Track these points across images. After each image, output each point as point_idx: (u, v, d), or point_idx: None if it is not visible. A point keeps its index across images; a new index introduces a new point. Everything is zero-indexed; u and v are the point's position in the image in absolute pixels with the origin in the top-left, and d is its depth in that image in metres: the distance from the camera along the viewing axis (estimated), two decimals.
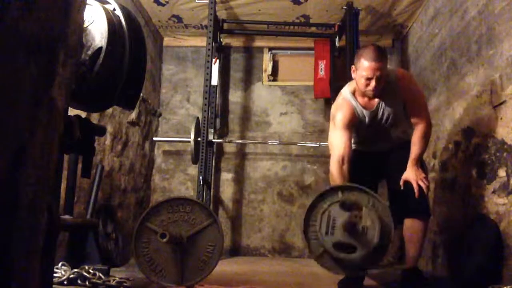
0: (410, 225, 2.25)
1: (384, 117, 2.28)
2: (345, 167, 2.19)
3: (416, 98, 2.30)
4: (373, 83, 2.14)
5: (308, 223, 1.92)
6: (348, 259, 1.83)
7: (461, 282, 2.31)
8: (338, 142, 2.24)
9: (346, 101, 2.30)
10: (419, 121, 2.28)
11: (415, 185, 2.18)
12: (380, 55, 2.14)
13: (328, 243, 1.82)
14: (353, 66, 2.25)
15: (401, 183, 2.23)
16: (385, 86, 2.21)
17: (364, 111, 2.28)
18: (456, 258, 2.49)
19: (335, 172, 2.19)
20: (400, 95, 2.26)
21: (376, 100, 2.26)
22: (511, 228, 2.08)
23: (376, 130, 2.33)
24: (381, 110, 2.27)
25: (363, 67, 2.14)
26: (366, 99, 2.27)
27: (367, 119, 2.28)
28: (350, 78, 2.36)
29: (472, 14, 2.64)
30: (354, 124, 2.29)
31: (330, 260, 1.87)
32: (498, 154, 2.25)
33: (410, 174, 2.22)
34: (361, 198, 1.90)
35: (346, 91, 2.33)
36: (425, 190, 2.19)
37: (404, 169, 2.25)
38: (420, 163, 2.28)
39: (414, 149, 2.25)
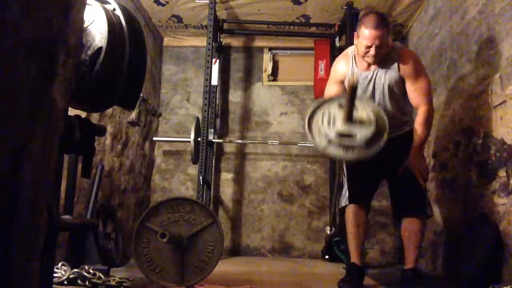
0: (409, 225, 2.26)
1: (376, 85, 2.28)
2: None
3: (417, 77, 2.27)
4: (372, 51, 2.18)
5: (311, 123, 2.12)
6: (350, 144, 2.02)
7: (461, 282, 2.31)
8: (331, 93, 2.32)
9: (345, 55, 2.39)
10: (420, 104, 2.27)
11: (417, 176, 2.20)
12: (381, 23, 2.17)
13: (331, 133, 2.03)
14: (355, 33, 2.29)
15: (401, 169, 2.24)
16: (385, 56, 2.24)
17: (356, 70, 2.30)
18: (456, 258, 2.49)
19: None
20: (398, 68, 2.26)
21: (373, 67, 2.29)
22: (511, 228, 2.08)
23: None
24: (374, 77, 2.28)
25: (363, 35, 2.18)
26: (364, 63, 2.30)
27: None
28: None
29: (472, 14, 2.64)
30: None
31: (335, 148, 2.06)
32: (498, 154, 2.25)
33: (413, 162, 2.23)
34: (358, 102, 2.10)
35: (350, 49, 2.40)
36: (422, 185, 2.22)
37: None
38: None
39: (417, 135, 2.26)
